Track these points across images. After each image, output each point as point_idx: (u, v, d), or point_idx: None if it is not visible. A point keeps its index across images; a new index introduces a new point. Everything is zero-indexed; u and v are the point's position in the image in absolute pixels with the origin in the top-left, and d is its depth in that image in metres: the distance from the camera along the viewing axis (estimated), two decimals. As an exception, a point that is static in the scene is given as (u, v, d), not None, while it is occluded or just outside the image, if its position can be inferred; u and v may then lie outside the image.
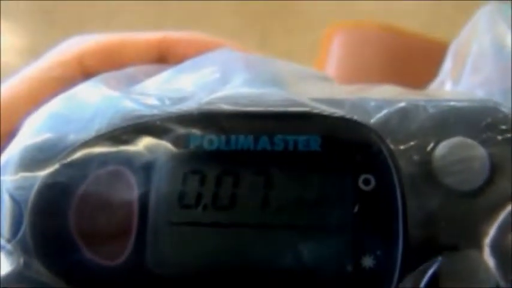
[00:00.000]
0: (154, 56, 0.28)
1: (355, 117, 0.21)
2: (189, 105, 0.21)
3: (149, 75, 0.25)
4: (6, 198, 0.21)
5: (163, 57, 0.28)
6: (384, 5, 1.26)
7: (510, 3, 0.30)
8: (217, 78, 0.23)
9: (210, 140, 0.21)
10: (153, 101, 0.22)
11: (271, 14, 1.31)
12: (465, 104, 0.21)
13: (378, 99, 0.21)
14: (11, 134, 0.23)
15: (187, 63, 0.24)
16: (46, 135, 0.21)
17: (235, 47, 0.28)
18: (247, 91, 0.22)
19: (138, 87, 0.23)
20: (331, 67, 0.85)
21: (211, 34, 0.29)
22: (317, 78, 0.25)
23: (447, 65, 0.30)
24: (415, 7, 1.27)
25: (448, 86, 0.28)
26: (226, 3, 1.31)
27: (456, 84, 0.28)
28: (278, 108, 0.21)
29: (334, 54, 0.85)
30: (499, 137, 0.20)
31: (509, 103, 0.25)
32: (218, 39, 0.29)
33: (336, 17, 1.23)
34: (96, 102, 0.22)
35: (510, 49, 0.28)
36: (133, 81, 0.24)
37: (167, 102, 0.22)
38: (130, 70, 0.26)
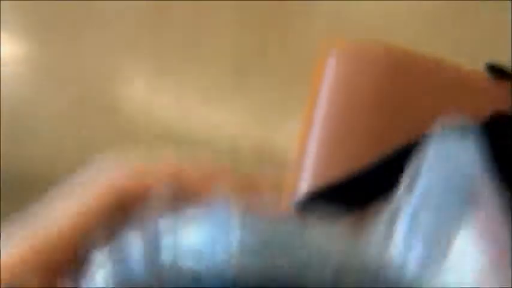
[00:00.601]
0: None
1: None
2: None
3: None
4: None
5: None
6: (383, 9, 1.28)
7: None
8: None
9: None
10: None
11: (271, 24, 1.32)
12: None
13: None
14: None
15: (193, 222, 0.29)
16: None
17: (236, 180, 0.32)
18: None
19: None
20: (329, 75, 0.88)
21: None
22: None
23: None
24: (411, 17, 1.29)
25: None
26: (226, 12, 1.32)
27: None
28: None
29: (331, 70, 0.88)
30: None
31: None
32: (222, 170, 0.32)
33: (337, 26, 1.24)
34: None
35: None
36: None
37: None
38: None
